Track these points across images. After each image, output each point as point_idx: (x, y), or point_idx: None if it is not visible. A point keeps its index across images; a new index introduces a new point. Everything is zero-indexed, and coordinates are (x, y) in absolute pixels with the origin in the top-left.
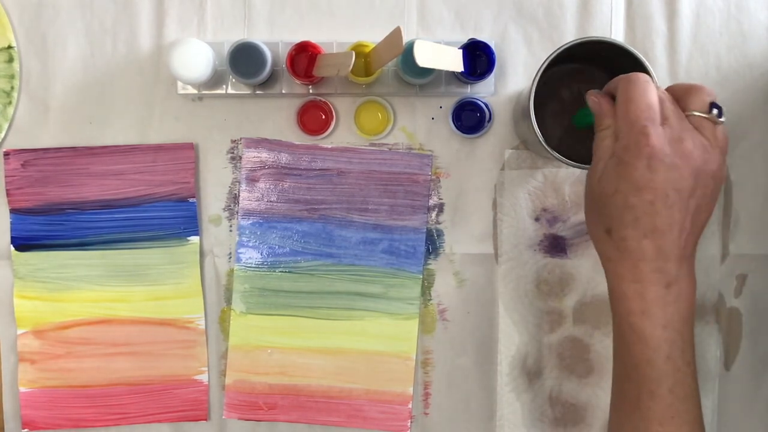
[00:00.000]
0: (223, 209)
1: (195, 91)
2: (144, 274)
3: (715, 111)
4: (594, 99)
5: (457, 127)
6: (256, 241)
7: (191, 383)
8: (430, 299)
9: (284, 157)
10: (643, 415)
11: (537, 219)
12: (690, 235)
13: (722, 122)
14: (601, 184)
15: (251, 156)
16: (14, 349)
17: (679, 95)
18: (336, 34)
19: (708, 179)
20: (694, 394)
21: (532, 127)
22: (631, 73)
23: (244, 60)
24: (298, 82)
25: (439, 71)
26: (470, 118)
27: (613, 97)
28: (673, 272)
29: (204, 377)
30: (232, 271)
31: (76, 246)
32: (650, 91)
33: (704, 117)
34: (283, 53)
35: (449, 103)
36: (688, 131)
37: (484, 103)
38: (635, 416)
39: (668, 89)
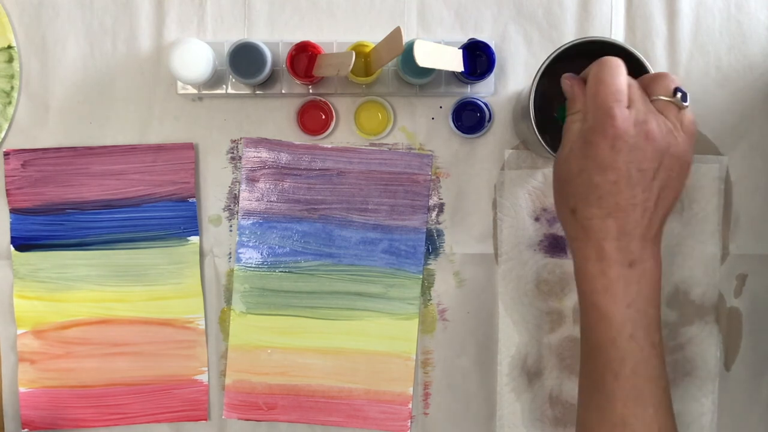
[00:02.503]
0: (223, 209)
1: (195, 91)
2: (144, 274)
3: (679, 95)
4: (568, 82)
5: (457, 127)
6: (256, 241)
7: (191, 383)
8: (430, 299)
9: (284, 157)
10: (607, 396)
11: (537, 219)
12: (654, 215)
13: (686, 106)
14: (567, 165)
15: (251, 156)
16: (14, 349)
17: (646, 83)
18: (336, 34)
19: (673, 161)
20: (660, 377)
21: (532, 127)
22: (604, 57)
23: (244, 60)
24: (298, 82)
25: (439, 71)
26: (470, 118)
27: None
28: (636, 252)
29: (204, 377)
30: (232, 271)
31: (76, 246)
32: (620, 74)
33: (669, 101)
34: (283, 53)
35: (449, 103)
36: (652, 114)
37: (484, 103)
38: (599, 397)
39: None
